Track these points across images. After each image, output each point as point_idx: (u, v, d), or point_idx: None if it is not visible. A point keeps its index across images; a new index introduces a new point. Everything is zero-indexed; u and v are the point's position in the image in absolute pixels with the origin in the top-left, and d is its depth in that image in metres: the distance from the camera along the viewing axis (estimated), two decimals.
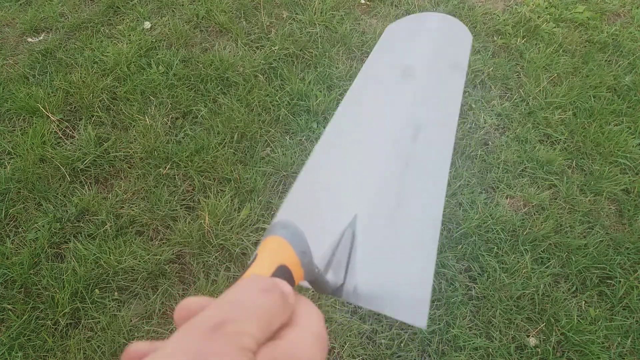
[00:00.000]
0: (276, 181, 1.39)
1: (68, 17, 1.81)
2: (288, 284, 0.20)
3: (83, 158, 1.40)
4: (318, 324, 0.20)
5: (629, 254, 1.30)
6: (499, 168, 1.45)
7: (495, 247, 1.28)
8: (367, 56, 1.85)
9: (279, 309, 0.19)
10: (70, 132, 1.49)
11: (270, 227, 0.25)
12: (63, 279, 1.18)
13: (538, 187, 1.42)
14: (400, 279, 0.28)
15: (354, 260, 0.28)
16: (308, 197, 0.33)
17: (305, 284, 0.27)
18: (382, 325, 1.15)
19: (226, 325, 0.16)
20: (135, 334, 1.11)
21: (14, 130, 1.48)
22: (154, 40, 1.71)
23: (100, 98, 1.55)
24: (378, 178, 0.32)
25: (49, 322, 1.12)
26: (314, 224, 0.28)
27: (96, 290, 1.17)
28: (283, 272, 0.23)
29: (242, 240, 1.25)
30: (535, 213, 1.36)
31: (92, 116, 1.51)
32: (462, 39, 0.40)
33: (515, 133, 1.54)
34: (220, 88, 1.59)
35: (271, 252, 0.23)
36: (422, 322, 0.27)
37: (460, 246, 1.27)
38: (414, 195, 0.31)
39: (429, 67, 0.38)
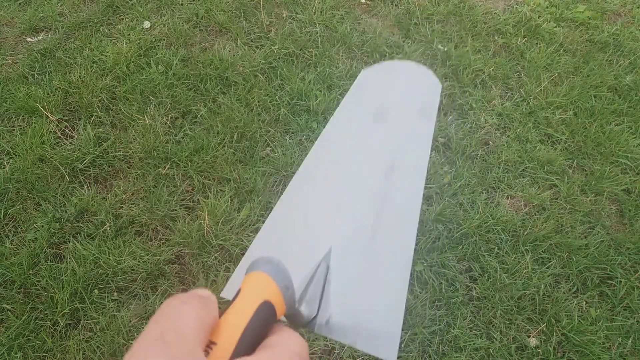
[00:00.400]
0: (276, 181, 1.38)
1: (67, 17, 1.80)
2: (203, 289, 0.22)
3: (82, 158, 1.40)
4: (299, 345, 0.22)
5: (629, 254, 1.29)
6: (499, 168, 1.44)
7: (496, 248, 1.28)
8: (368, 56, 1.85)
9: (204, 313, 0.21)
10: (70, 132, 1.48)
11: (253, 262, 0.25)
12: (62, 279, 1.17)
13: (539, 187, 1.42)
14: (371, 313, 0.29)
15: (327, 293, 0.29)
16: (283, 228, 0.34)
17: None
18: None
19: (165, 335, 0.19)
20: (135, 334, 1.11)
21: (13, 130, 1.47)
22: (154, 40, 1.71)
23: (100, 98, 1.54)
24: (353, 213, 0.34)
25: (48, 322, 1.12)
26: (289, 256, 0.29)
27: (95, 290, 1.17)
28: (266, 308, 0.23)
29: (242, 241, 1.25)
30: (536, 213, 1.36)
31: (92, 116, 1.51)
32: (432, 87, 0.42)
33: (516, 133, 1.53)
34: (220, 88, 1.59)
35: (255, 288, 0.24)
36: (392, 356, 0.27)
37: (461, 246, 1.27)
38: (387, 232, 0.32)
39: (400, 110, 0.40)
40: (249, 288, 0.24)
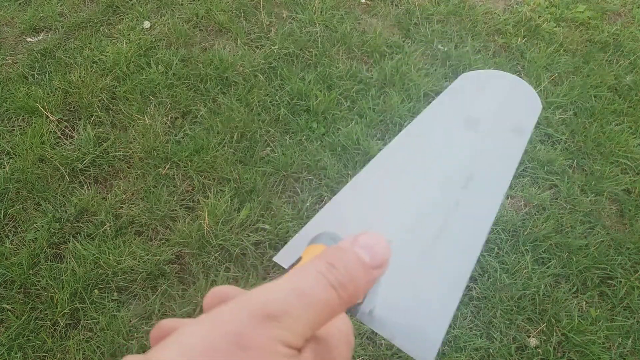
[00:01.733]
0: (276, 181, 1.38)
1: (67, 17, 1.80)
2: (357, 281, 0.19)
3: (82, 158, 1.40)
4: (347, 325, 0.20)
5: (629, 254, 1.29)
6: None
7: (496, 247, 1.28)
8: (368, 56, 1.85)
9: (338, 309, 0.17)
10: (70, 132, 1.48)
11: (317, 236, 0.24)
12: (62, 279, 1.17)
13: (539, 187, 1.42)
14: (418, 314, 0.29)
15: (377, 284, 0.28)
16: (347, 209, 0.34)
17: None
18: None
19: (280, 318, 0.15)
20: (135, 334, 1.11)
21: (13, 130, 1.47)
22: (154, 40, 1.71)
23: (100, 98, 1.54)
24: (421, 212, 0.33)
25: (48, 322, 1.12)
26: (345, 236, 0.28)
27: (95, 290, 1.17)
28: None
29: (242, 241, 1.25)
30: (536, 213, 1.36)
31: (92, 116, 1.51)
32: (532, 105, 0.41)
33: None
34: (220, 88, 1.59)
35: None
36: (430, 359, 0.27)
37: None
38: (453, 237, 0.32)
39: (494, 122, 0.39)
40: (311, 257, 0.23)
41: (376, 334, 1.13)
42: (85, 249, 1.22)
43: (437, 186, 0.34)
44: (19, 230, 1.27)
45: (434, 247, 0.31)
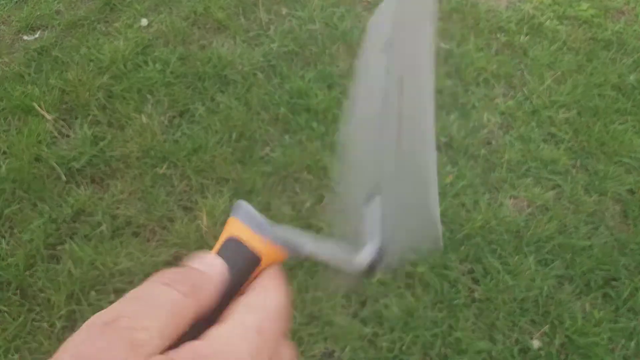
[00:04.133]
0: (275, 181, 1.37)
1: (64, 15, 1.78)
2: (216, 265, 0.18)
3: (79, 157, 1.38)
4: (262, 314, 0.17)
5: (634, 255, 1.28)
6: (502, 168, 1.43)
7: (499, 248, 1.26)
8: None
9: (186, 302, 0.17)
10: (66, 131, 1.47)
11: (236, 207, 0.22)
12: (59, 280, 1.16)
13: (542, 187, 1.40)
14: (412, 213, 0.28)
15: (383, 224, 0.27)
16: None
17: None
18: (384, 328, 1.13)
19: (118, 321, 0.15)
20: None
21: (9, 129, 1.46)
22: (151, 38, 1.69)
23: (96, 96, 1.53)
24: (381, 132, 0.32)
25: (45, 324, 1.11)
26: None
27: (92, 292, 1.16)
28: (235, 247, 0.20)
29: None
30: (539, 213, 1.34)
31: (88, 115, 1.49)
32: None
33: (519, 132, 1.52)
34: (218, 86, 1.57)
35: (222, 232, 0.21)
36: (439, 243, 0.26)
37: (463, 247, 1.26)
38: (410, 133, 0.32)
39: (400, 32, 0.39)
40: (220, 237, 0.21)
41: (377, 335, 1.12)
42: (82, 250, 1.20)
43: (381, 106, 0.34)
44: (15, 230, 1.26)
45: (399, 153, 0.31)
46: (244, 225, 0.21)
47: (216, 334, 0.16)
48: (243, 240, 0.20)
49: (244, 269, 0.20)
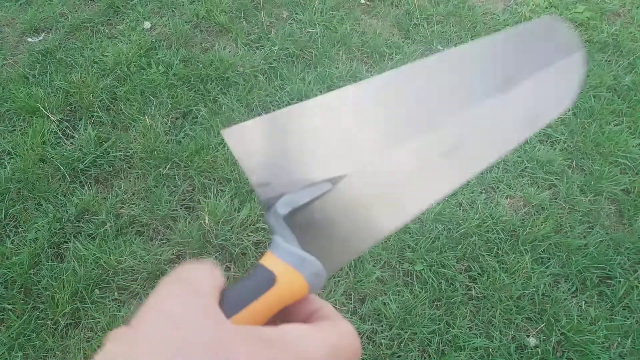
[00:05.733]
0: None
1: (68, 17, 1.81)
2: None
3: (83, 158, 1.40)
4: (340, 333, 0.20)
5: (629, 254, 1.30)
6: (498, 168, 1.45)
7: (495, 247, 1.28)
8: (368, 56, 1.83)
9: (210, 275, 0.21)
10: (70, 132, 1.49)
11: (275, 244, 0.24)
12: (63, 279, 1.18)
13: (538, 187, 1.42)
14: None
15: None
16: (320, 120, 0.30)
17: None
18: (382, 325, 1.15)
19: (181, 284, 0.20)
20: None
21: (14, 130, 1.48)
22: (154, 40, 1.71)
23: (100, 98, 1.55)
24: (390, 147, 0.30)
25: (49, 322, 1.12)
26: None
27: (96, 290, 1.17)
28: (261, 273, 0.23)
29: (242, 241, 1.25)
30: (535, 213, 1.36)
31: (92, 116, 1.51)
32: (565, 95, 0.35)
33: None
34: (220, 88, 1.59)
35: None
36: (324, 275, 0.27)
37: (460, 246, 1.27)
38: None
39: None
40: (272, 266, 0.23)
41: (376, 332, 1.14)
42: (86, 249, 1.22)
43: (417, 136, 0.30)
44: (20, 230, 1.28)
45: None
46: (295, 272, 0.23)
47: (298, 329, 0.19)
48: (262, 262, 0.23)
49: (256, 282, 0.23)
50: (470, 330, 1.15)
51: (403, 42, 1.77)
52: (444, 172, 0.31)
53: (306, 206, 0.27)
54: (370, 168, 0.29)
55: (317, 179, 0.28)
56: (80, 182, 1.37)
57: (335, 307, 1.16)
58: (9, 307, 1.14)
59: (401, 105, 0.31)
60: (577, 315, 1.17)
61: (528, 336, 1.15)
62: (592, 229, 1.34)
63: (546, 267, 1.25)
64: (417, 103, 0.32)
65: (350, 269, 1.21)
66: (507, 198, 1.40)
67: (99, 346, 1.09)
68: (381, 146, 0.29)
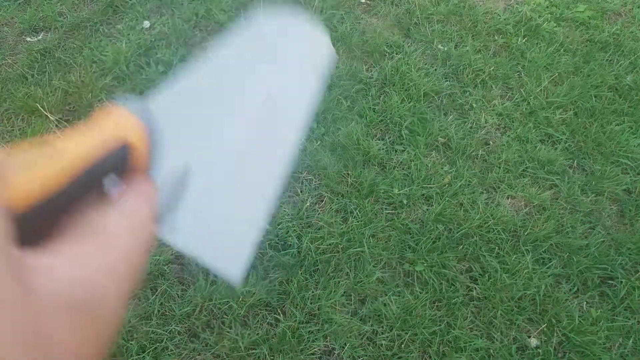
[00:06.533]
0: None
1: (67, 17, 1.80)
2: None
3: None
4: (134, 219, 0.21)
5: (630, 254, 1.29)
6: (500, 168, 1.44)
7: (497, 248, 1.27)
8: (368, 55, 1.83)
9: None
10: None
11: (125, 101, 0.23)
12: None
13: (539, 187, 1.41)
14: (225, 234, 0.28)
15: (174, 201, 0.27)
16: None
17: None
18: (383, 326, 1.14)
19: None
20: (134, 334, 1.11)
21: (13, 130, 1.47)
22: (153, 40, 1.71)
23: (99, 98, 1.54)
24: (226, 132, 0.32)
25: None
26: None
27: None
28: (121, 153, 0.21)
29: None
30: (537, 213, 1.36)
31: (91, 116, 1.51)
32: (328, 55, 0.41)
33: (517, 133, 1.53)
34: None
35: (117, 125, 0.21)
36: (236, 277, 0.27)
37: (461, 246, 1.27)
38: (257, 157, 0.32)
39: (291, 59, 0.39)
40: (108, 123, 0.21)
41: (377, 333, 1.13)
42: None
43: (237, 107, 0.33)
44: None
45: (239, 166, 0.31)
46: (144, 140, 0.22)
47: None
48: (134, 150, 0.22)
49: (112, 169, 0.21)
50: (471, 331, 1.14)
51: (403, 41, 1.76)
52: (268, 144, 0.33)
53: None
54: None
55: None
56: None
57: (335, 308, 1.16)
58: None
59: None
60: (579, 316, 1.17)
61: (529, 337, 1.15)
62: (594, 229, 1.33)
63: (547, 268, 1.25)
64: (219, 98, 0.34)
65: (350, 270, 1.21)
66: (508, 198, 1.39)
67: None
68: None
